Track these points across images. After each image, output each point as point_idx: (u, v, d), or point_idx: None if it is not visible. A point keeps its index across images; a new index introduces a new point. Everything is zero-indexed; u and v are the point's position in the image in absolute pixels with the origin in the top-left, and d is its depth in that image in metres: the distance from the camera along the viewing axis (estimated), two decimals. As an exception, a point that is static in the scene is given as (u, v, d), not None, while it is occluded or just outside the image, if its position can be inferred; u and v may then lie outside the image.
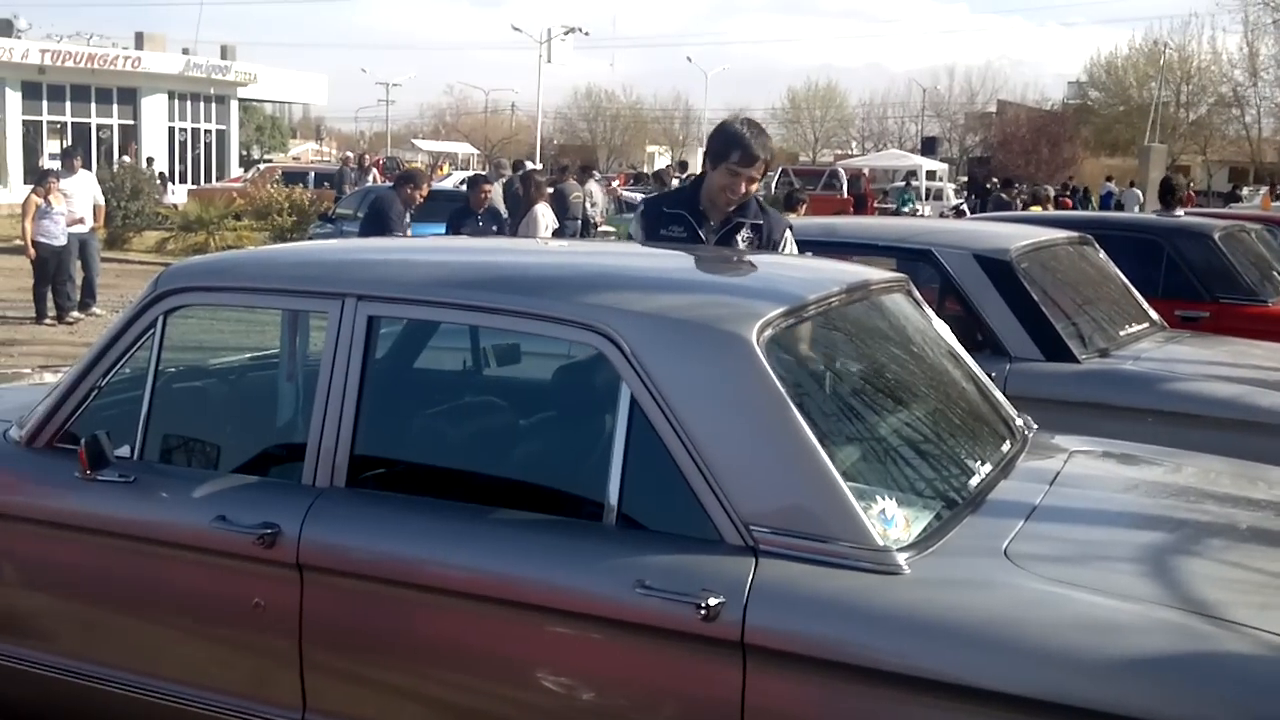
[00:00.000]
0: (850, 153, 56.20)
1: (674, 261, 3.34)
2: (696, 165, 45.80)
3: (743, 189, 3.88)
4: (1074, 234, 5.53)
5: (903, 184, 32.83)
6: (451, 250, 3.83)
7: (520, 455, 3.08)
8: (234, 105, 39.14)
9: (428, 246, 4.46)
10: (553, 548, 2.46)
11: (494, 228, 9.17)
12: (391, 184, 10.97)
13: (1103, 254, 5.57)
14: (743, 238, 4.02)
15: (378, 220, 9.02)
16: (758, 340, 2.43)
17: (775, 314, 2.54)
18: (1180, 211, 8.65)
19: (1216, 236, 6.82)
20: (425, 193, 9.32)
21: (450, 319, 3.03)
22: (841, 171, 33.70)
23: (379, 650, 2.59)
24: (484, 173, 14.73)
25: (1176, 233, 6.95)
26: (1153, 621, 2.06)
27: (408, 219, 9.11)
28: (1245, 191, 34.34)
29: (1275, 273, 7.45)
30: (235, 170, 37.43)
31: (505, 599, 2.44)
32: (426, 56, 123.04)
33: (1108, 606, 2.10)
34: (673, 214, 3.98)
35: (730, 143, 3.83)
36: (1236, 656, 1.98)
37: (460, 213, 9.46)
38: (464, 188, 11.12)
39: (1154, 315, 5.40)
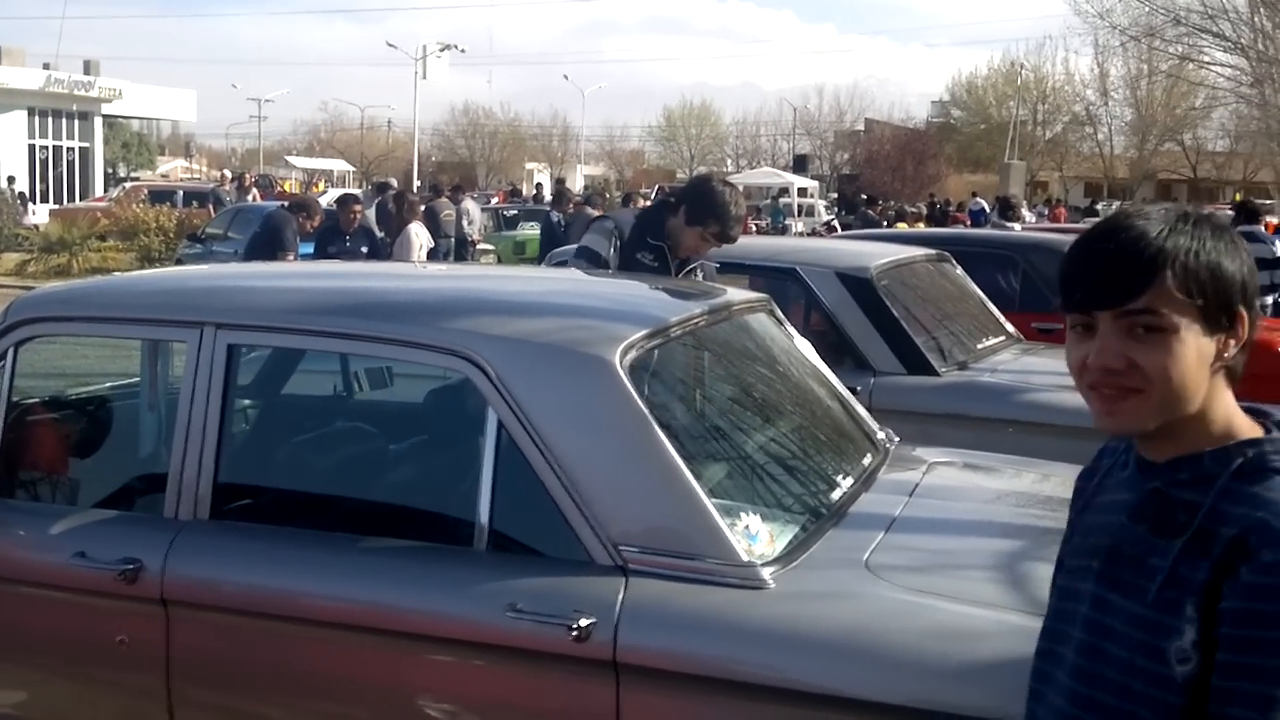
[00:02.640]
0: (725, 170, 57.02)
1: (538, 286, 3.36)
2: (575, 183, 46.03)
3: (702, 249, 4.07)
4: (932, 251, 5.73)
5: (773, 201, 33.45)
6: (314, 276, 3.78)
7: (388, 482, 3.07)
8: (98, 122, 37.91)
9: (290, 272, 4.39)
10: (423, 574, 2.46)
11: (364, 249, 9.02)
12: (277, 203, 10.93)
13: (960, 270, 5.78)
14: (697, 273, 4.20)
15: (272, 239, 8.91)
16: (620, 363, 2.47)
17: (638, 336, 2.59)
18: (1016, 226, 9.20)
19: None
20: (317, 222, 9.26)
21: (313, 346, 3.01)
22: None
23: (249, 685, 2.55)
24: (355, 191, 14.54)
25: (1031, 248, 7.24)
26: (1005, 626, 2.14)
27: (298, 243, 9.07)
28: (1101, 206, 35.88)
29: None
30: (100, 189, 36.19)
31: (377, 628, 2.43)
32: (300, 72, 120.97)
33: (963, 613, 2.19)
34: (654, 244, 4.07)
35: (713, 215, 3.96)
36: None
37: (329, 233, 9.30)
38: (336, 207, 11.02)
39: (1010, 328, 5.62)
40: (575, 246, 4.30)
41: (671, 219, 4.05)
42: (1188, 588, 1.26)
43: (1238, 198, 32.12)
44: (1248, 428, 1.35)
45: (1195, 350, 1.29)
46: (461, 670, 2.41)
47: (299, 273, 4.22)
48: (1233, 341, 1.32)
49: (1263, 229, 12.17)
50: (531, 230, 21.99)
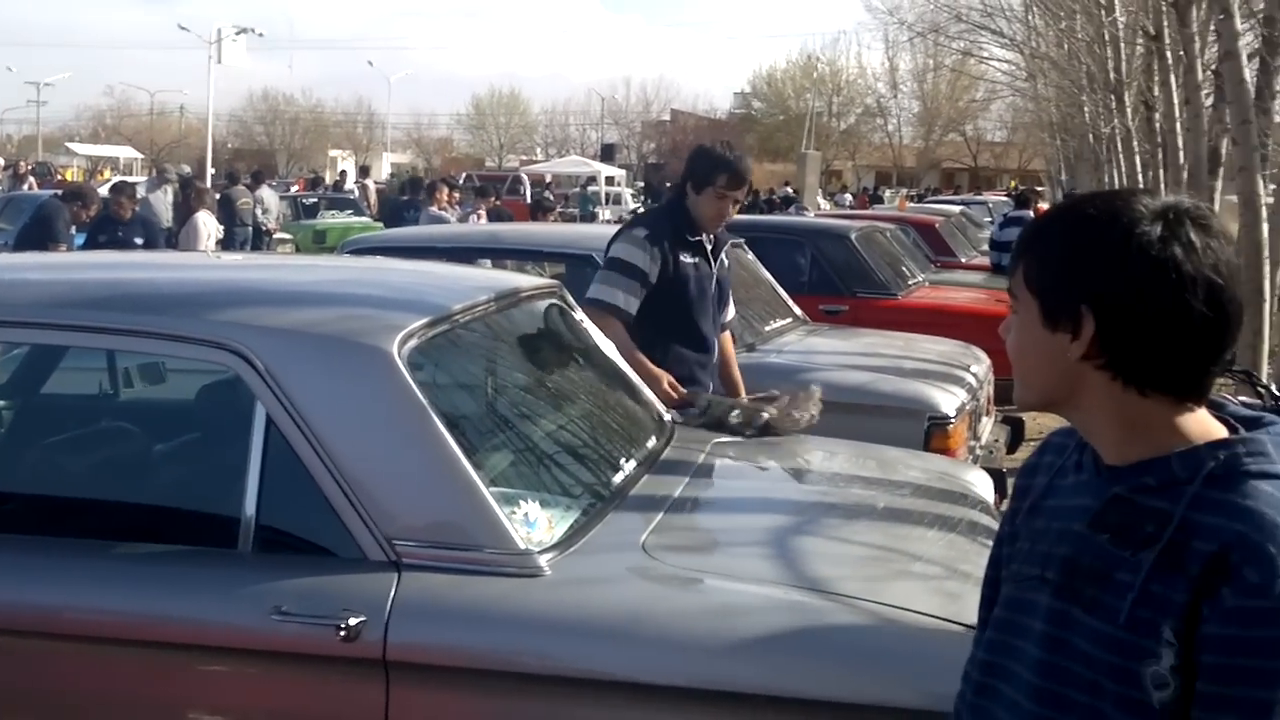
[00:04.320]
0: (535, 158, 56.88)
1: (315, 275, 3.25)
2: (381, 171, 44.99)
3: (730, 211, 3.86)
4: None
5: (582, 189, 33.59)
6: (78, 267, 3.57)
7: (151, 484, 2.91)
8: None
9: (52, 263, 4.14)
10: (185, 580, 2.34)
11: (138, 240, 8.56)
12: (52, 192, 10.33)
13: (751, 254, 5.91)
14: (726, 258, 4.01)
15: (43, 228, 8.40)
16: (399, 353, 2.40)
17: (417, 325, 2.53)
18: (809, 211, 9.47)
19: (853, 236, 7.40)
20: (94, 212, 8.76)
21: (74, 342, 2.84)
22: (525, 177, 34.02)
23: (5, 708, 2.37)
24: (131, 180, 13.85)
25: (819, 234, 7.48)
26: (774, 602, 2.19)
27: (72, 234, 8.56)
28: (887, 194, 37.39)
29: (905, 269, 8.18)
30: None
31: (138, 640, 2.30)
32: (84, 55, 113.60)
33: (734, 590, 2.22)
34: (693, 240, 3.83)
35: (716, 166, 3.77)
36: (848, 628, 2.14)
37: (102, 223, 8.81)
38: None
39: (797, 311, 5.79)
40: (606, 260, 3.81)
41: (690, 200, 3.85)
42: (1165, 608, 1.17)
43: (1014, 185, 34.13)
44: (1214, 427, 1.26)
45: (1034, 340, 1.26)
46: (230, 679, 2.30)
47: (62, 264, 3.98)
48: (1074, 344, 1.23)
49: (1031, 214, 12.94)
50: (333, 219, 21.40)
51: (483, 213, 12.22)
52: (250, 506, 2.34)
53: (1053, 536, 1.30)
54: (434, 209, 11.30)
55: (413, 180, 21.45)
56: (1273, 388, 5.18)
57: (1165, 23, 11.24)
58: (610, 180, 38.77)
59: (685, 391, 3.57)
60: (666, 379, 3.56)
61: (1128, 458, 1.25)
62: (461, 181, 27.42)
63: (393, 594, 2.19)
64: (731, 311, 4.19)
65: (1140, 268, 1.19)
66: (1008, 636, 1.32)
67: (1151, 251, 1.19)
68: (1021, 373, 1.30)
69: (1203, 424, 1.25)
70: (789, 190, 30.65)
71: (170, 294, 2.78)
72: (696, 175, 3.83)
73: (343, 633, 2.13)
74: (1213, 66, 9.84)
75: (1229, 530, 1.15)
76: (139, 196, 10.96)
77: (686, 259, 3.81)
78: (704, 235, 3.88)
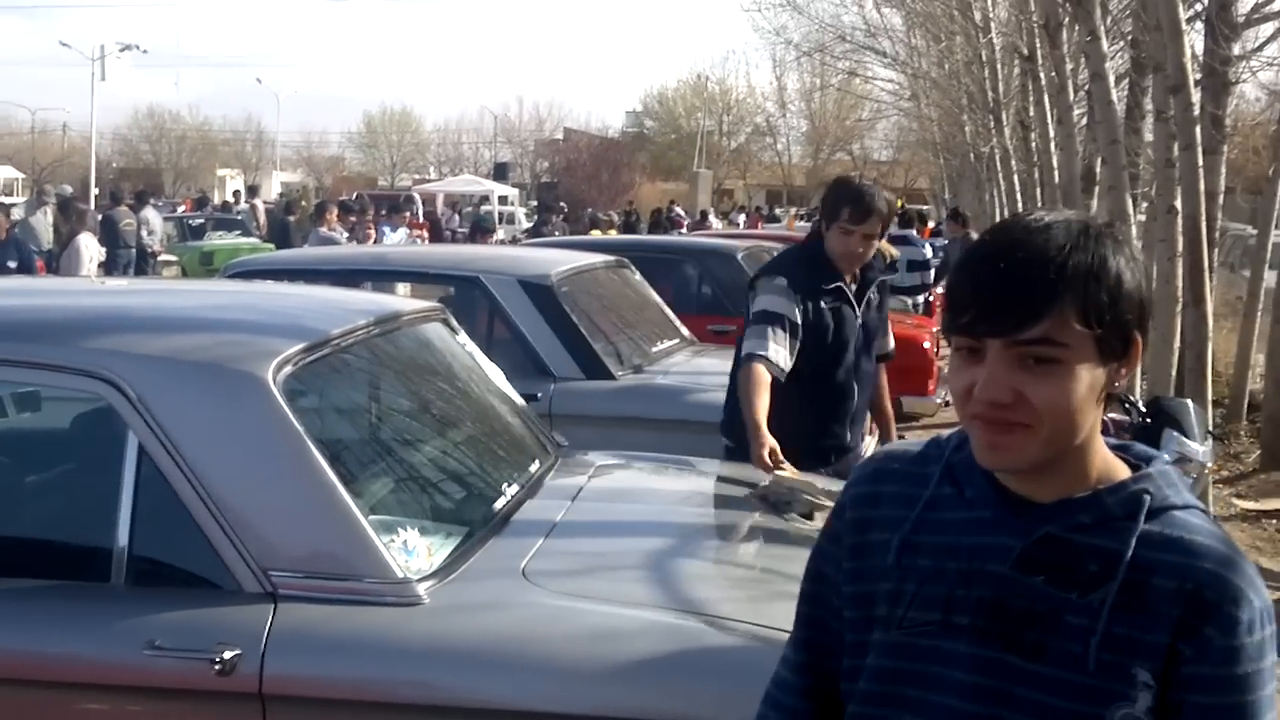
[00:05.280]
0: (428, 177, 56.39)
1: (189, 300, 3.20)
2: (271, 190, 44.06)
3: (860, 249, 3.53)
4: (611, 258, 5.88)
5: (475, 208, 33.43)
6: (-59, 294, 3.44)
7: (23, 516, 2.82)
8: None
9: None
10: (57, 615, 2.28)
11: (12, 264, 8.29)
12: None
13: (638, 276, 5.96)
14: (874, 295, 3.69)
15: None
16: (274, 379, 2.38)
17: (294, 351, 2.50)
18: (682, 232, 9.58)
19: (739, 256, 7.50)
20: None
21: (-63, 371, 2.74)
22: (417, 196, 33.73)
23: None
24: (8, 200, 13.43)
25: (706, 253, 7.57)
26: (654, 626, 2.20)
27: None
28: (780, 212, 37.99)
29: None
30: None
31: (11, 678, 2.23)
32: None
33: (614, 615, 2.23)
34: (829, 288, 3.54)
35: (841, 199, 3.49)
36: (726, 650, 2.16)
37: (-26, 245, 8.52)
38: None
39: (685, 331, 5.85)
40: (753, 315, 3.51)
41: (826, 238, 3.58)
42: (1136, 650, 1.14)
43: (900, 203, 34.96)
44: (1114, 459, 1.22)
45: (1088, 382, 1.14)
46: (105, 716, 2.25)
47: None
48: (1124, 369, 1.18)
49: (915, 233, 13.30)
50: (220, 240, 20.94)
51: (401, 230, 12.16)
52: (123, 538, 2.30)
53: (953, 578, 1.21)
54: (324, 229, 11.14)
55: (290, 202, 21.15)
56: (1139, 404, 5.34)
57: (1038, 44, 11.67)
58: (504, 199, 38.66)
59: (774, 471, 3.12)
60: (769, 447, 3.14)
61: (1048, 493, 1.19)
62: (353, 199, 27.03)
63: (269, 625, 2.16)
64: (887, 344, 3.91)
65: (1129, 285, 1.15)
66: (898, 688, 1.22)
67: (1127, 269, 1.16)
68: (1064, 425, 1.15)
69: (1106, 455, 1.22)
70: (678, 210, 30.93)
71: (41, 320, 2.70)
72: (825, 209, 3.59)
73: (218, 666, 2.10)
74: (1085, 87, 10.23)
75: (1195, 568, 1.13)
76: (15, 219, 10.61)
77: (826, 304, 3.56)
78: (844, 277, 3.59)
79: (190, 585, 2.31)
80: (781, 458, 3.12)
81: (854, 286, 3.63)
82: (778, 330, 3.46)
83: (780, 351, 3.44)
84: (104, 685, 2.21)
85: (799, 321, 3.49)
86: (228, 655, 2.11)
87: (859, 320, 3.64)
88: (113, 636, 2.20)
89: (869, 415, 3.91)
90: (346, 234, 11.65)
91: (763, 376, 3.36)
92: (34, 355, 2.46)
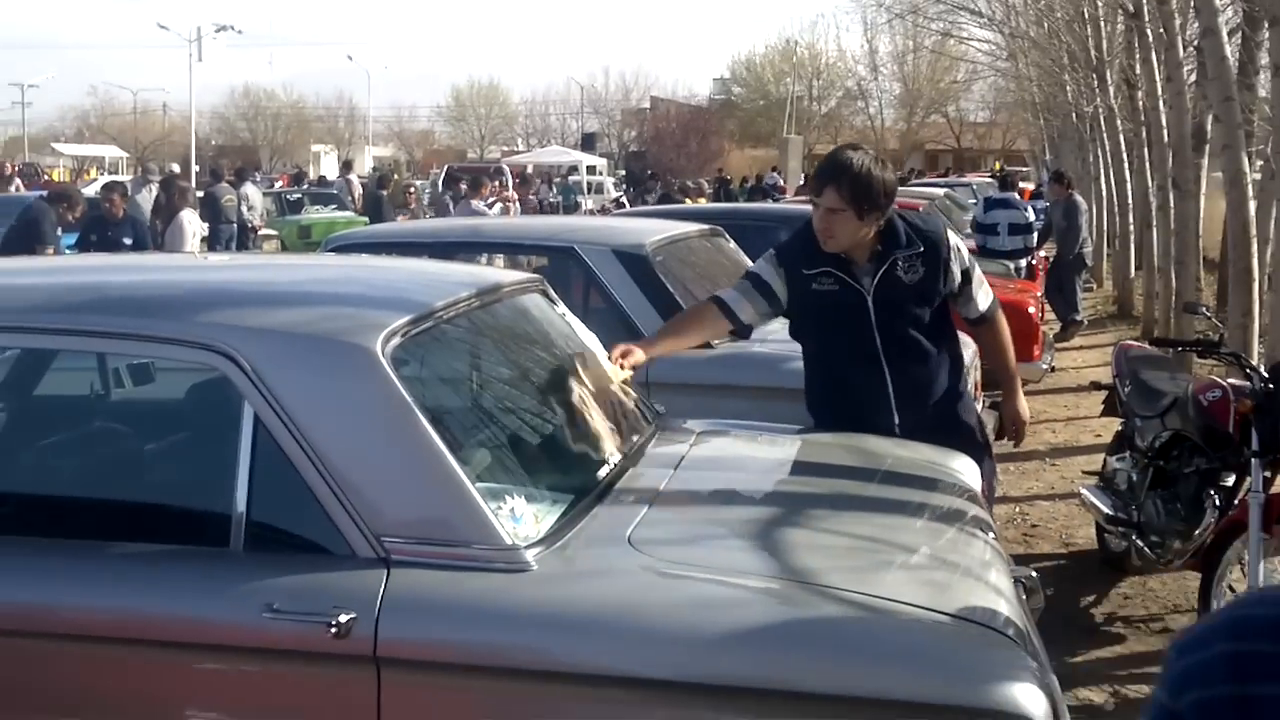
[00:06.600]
0: (516, 149, 56.77)
1: (299, 274, 3.27)
2: (364, 164, 44.85)
3: (825, 225, 3.35)
4: (705, 226, 5.86)
5: (563, 179, 33.59)
6: (64, 271, 3.58)
7: (142, 483, 2.93)
8: None
9: (39, 267, 4.15)
10: (176, 578, 2.36)
11: (127, 240, 8.57)
12: (40, 194, 10.37)
13: (733, 244, 5.93)
14: (903, 272, 3.46)
15: (30, 230, 8.39)
16: (382, 351, 2.43)
17: (401, 323, 2.55)
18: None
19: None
20: (79, 213, 8.77)
21: (62, 346, 2.88)
22: (506, 168, 34.01)
23: (3, 706, 2.40)
24: (120, 179, 13.85)
25: (799, 219, 7.48)
26: (760, 594, 2.21)
27: (59, 235, 8.57)
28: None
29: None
30: None
31: (130, 638, 2.33)
32: (66, 55, 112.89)
33: (721, 583, 2.24)
34: (824, 264, 3.45)
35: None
36: (831, 620, 2.16)
37: (93, 223, 8.82)
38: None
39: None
40: None
41: None
42: None
43: (999, 166, 34.18)
44: None
45: None
46: (222, 676, 2.32)
47: (49, 268, 3.99)
48: None
49: (1017, 195, 12.98)
50: (317, 214, 21.36)
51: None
52: (241, 505, 2.37)
53: None
54: (475, 202, 11.36)
55: (382, 176, 21.44)
56: (1261, 369, 5.13)
57: (1145, 0, 11.27)
58: (591, 169, 38.75)
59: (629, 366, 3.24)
60: (625, 349, 3.25)
61: None
62: (443, 174, 27.27)
63: (382, 590, 2.21)
64: (974, 307, 3.66)
65: None
66: None
67: None
68: None
69: None
70: (775, 176, 30.69)
71: (159, 296, 2.80)
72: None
73: (334, 629, 2.16)
74: (1194, 43, 9.87)
75: None
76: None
77: (821, 285, 3.46)
78: (840, 256, 3.44)
79: (305, 551, 2.37)
80: (631, 363, 3.24)
81: (868, 265, 3.45)
82: (748, 286, 3.60)
83: (743, 303, 3.59)
84: (223, 646, 2.29)
85: (776, 290, 3.56)
86: (344, 619, 2.17)
87: (869, 297, 3.45)
88: (232, 599, 2.28)
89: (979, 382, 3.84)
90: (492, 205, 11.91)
91: (701, 311, 3.63)
92: (153, 329, 2.54)
